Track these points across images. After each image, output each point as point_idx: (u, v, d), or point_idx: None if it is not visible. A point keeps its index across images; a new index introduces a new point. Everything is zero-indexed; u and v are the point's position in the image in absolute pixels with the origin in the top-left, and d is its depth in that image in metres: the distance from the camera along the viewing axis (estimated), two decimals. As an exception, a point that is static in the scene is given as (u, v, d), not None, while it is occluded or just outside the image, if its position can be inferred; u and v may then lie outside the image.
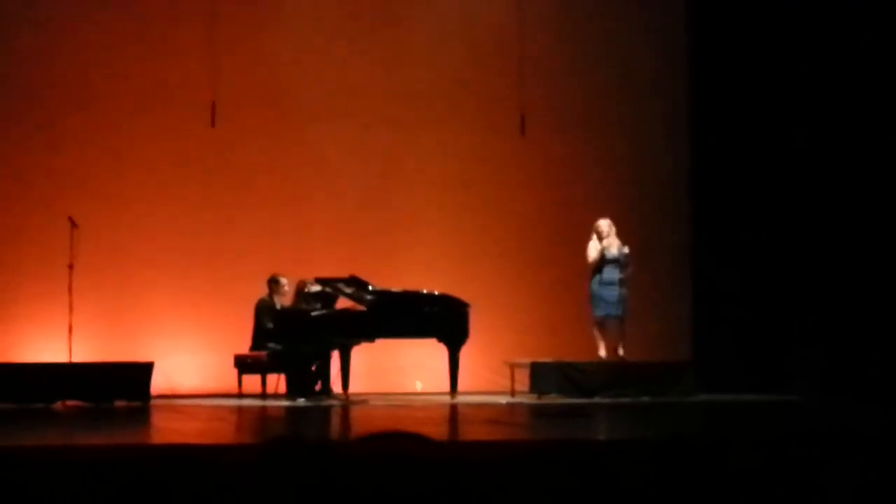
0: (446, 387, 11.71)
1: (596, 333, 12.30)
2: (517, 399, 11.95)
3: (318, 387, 11.80)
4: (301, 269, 12.08)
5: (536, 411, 10.78)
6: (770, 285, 12.96)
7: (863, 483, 5.25)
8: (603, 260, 12.17)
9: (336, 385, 11.67)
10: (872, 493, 5.22)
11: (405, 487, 4.85)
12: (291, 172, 13.21)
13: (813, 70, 12.66)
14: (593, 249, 12.22)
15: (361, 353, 11.75)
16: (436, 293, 11.80)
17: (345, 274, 11.61)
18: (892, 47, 12.19)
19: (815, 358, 12.39)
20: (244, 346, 11.94)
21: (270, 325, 11.85)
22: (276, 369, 11.87)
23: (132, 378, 11.26)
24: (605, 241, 12.19)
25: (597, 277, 12.21)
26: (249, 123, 13.10)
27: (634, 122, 13.74)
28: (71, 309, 11.80)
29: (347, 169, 13.28)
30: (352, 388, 11.52)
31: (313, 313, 11.68)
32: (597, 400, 11.73)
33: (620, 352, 12.26)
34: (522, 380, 12.26)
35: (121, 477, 5.21)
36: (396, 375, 12.88)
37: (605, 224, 12.26)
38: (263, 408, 11.01)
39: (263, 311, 11.97)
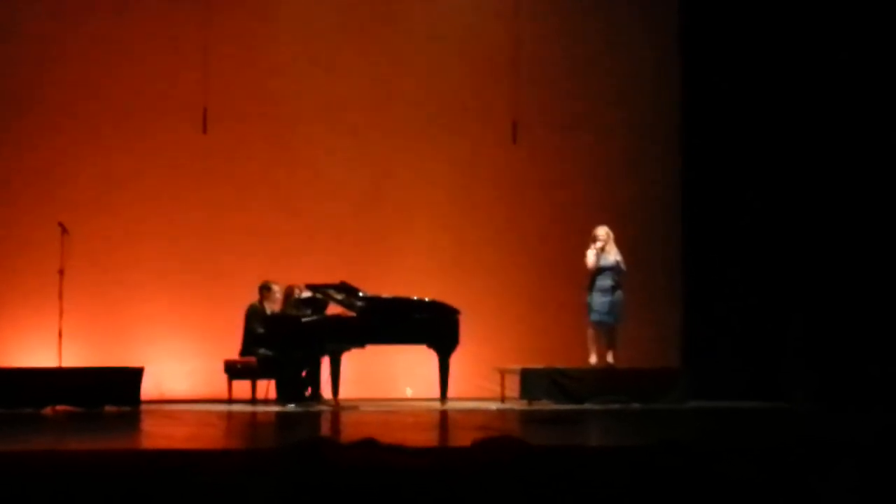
0: (436, 393, 11.72)
1: (589, 339, 12.31)
2: (507, 405, 11.96)
3: (308, 392, 11.80)
4: (292, 275, 12.07)
5: (526, 417, 10.79)
6: (762, 292, 12.97)
7: (856, 491, 5.26)
8: (599, 267, 12.19)
9: (326, 391, 11.67)
10: (866, 501, 5.22)
11: (387, 494, 4.84)
12: (283, 179, 13.19)
13: (808, 75, 12.66)
14: (590, 256, 12.23)
15: (351, 359, 11.74)
16: (426, 300, 11.80)
17: (335, 280, 11.62)
18: (888, 48, 12.20)
19: (807, 364, 12.40)
20: (234, 352, 11.92)
21: (261, 331, 11.84)
22: (266, 375, 11.84)
23: (122, 383, 11.26)
24: (602, 248, 12.18)
25: (591, 284, 12.22)
26: (241, 130, 13.08)
27: (627, 130, 13.75)
28: (61, 314, 11.75)
29: (339, 175, 13.27)
30: (342, 394, 11.52)
31: (304, 319, 11.67)
32: (587, 406, 11.73)
33: (609, 359, 12.27)
34: (513, 386, 12.25)
35: (110, 482, 5.21)
36: (386, 382, 12.86)
37: (602, 231, 12.28)
38: (253, 413, 11.00)
39: (254, 316, 11.96)
